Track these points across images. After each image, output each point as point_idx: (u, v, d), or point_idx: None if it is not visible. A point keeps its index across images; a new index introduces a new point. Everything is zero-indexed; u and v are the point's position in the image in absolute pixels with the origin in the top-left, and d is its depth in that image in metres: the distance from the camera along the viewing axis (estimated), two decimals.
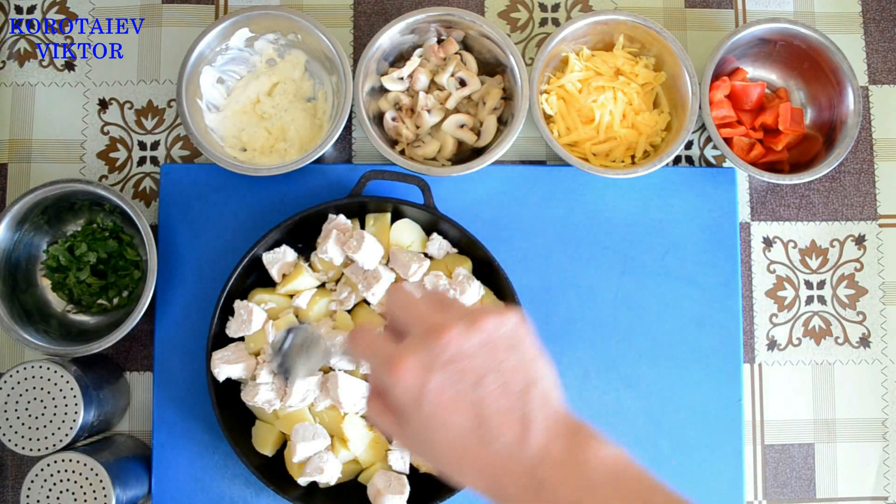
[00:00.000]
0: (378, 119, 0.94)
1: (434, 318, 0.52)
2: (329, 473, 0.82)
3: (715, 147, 0.98)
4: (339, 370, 0.83)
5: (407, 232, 0.89)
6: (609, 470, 0.48)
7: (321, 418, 0.85)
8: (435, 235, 0.89)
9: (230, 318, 0.86)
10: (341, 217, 0.87)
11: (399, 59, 0.96)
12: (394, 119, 0.93)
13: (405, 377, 0.50)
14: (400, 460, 0.83)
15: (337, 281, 0.89)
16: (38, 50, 0.97)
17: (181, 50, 0.91)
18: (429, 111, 0.92)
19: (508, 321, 0.52)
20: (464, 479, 0.51)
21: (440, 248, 0.88)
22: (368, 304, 0.87)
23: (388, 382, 0.51)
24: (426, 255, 0.89)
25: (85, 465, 0.79)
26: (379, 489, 0.82)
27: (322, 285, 0.89)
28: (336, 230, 0.86)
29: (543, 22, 1.00)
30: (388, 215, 0.89)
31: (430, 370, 0.50)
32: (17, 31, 0.97)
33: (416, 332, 0.52)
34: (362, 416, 0.85)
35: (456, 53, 0.94)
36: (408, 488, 0.82)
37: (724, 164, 0.98)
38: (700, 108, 0.90)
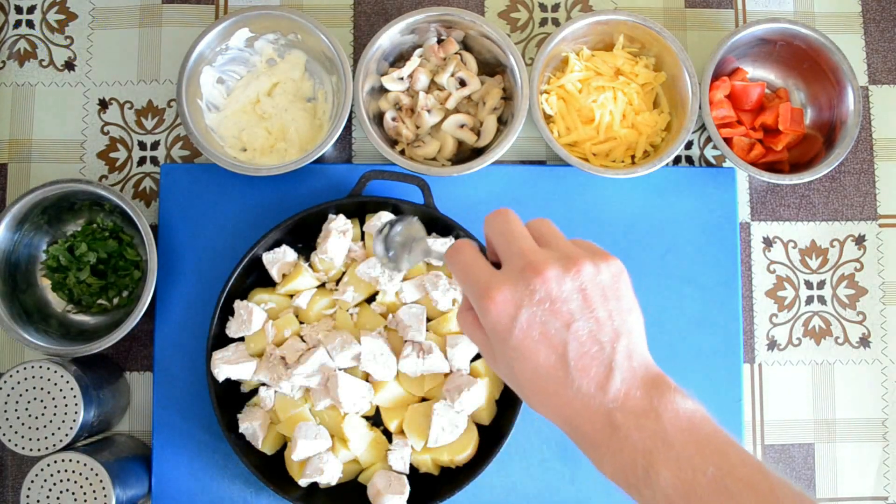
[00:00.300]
0: (378, 119, 0.94)
1: (534, 254, 0.53)
2: (329, 474, 0.82)
3: (715, 147, 0.98)
4: (339, 370, 0.83)
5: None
6: (685, 422, 0.49)
7: (321, 418, 0.85)
8: (435, 235, 0.89)
9: (230, 318, 0.86)
10: (341, 217, 0.87)
11: (399, 59, 0.96)
12: (394, 119, 0.93)
13: (497, 308, 0.51)
14: (400, 460, 0.83)
15: (337, 281, 0.89)
16: (37, 50, 0.97)
17: (181, 50, 0.91)
18: (429, 111, 0.92)
19: (607, 270, 0.53)
20: (542, 411, 0.53)
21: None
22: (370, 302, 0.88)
23: (480, 308, 0.52)
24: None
25: (85, 465, 0.79)
26: (379, 489, 0.82)
27: (322, 285, 0.89)
28: (336, 230, 0.86)
29: (543, 22, 1.00)
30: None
31: (521, 306, 0.51)
32: (17, 31, 0.98)
33: (514, 264, 0.52)
34: (363, 417, 0.85)
35: (456, 53, 0.94)
36: (408, 488, 0.82)
37: (724, 164, 0.98)
38: (700, 108, 0.90)
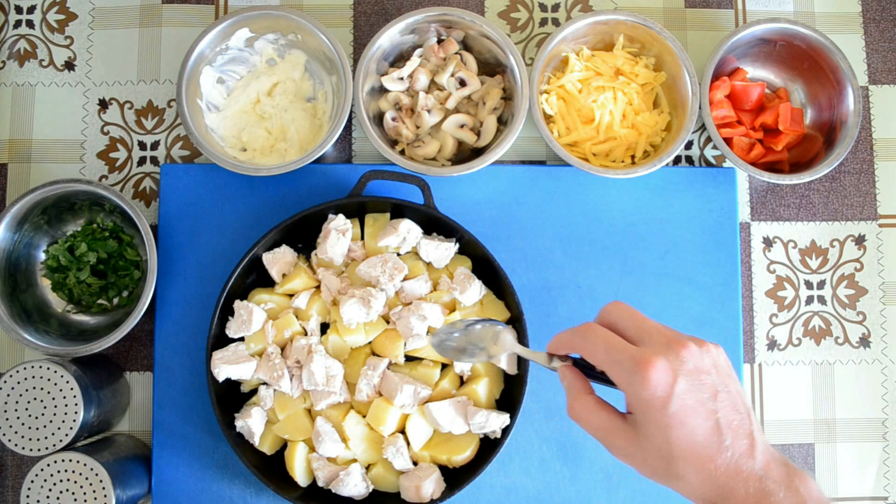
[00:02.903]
0: (378, 119, 0.94)
1: (669, 331, 0.58)
2: (351, 488, 0.82)
3: (715, 147, 0.98)
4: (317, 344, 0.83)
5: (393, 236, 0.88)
6: (821, 501, 0.55)
7: (325, 417, 0.84)
8: (436, 235, 0.89)
9: (230, 318, 0.86)
10: (341, 217, 0.87)
11: (399, 59, 0.96)
12: (394, 119, 0.93)
13: (656, 376, 0.55)
14: (399, 456, 0.83)
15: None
16: (37, 50, 0.97)
17: (181, 50, 0.91)
18: (429, 111, 0.92)
19: (721, 352, 0.59)
20: (691, 478, 0.55)
21: (439, 249, 0.88)
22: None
23: (638, 378, 0.55)
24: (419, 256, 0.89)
25: (85, 465, 0.79)
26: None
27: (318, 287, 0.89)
28: (335, 230, 0.86)
29: (543, 22, 1.00)
30: (388, 215, 0.89)
31: (678, 374, 0.55)
32: (17, 31, 0.98)
33: (656, 340, 0.57)
34: (362, 416, 0.85)
35: (456, 53, 0.94)
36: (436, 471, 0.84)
37: (724, 164, 0.98)
38: (700, 108, 0.90)
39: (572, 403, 0.63)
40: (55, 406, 0.80)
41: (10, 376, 0.80)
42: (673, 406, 0.55)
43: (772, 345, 0.95)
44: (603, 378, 0.63)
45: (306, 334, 0.86)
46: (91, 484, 0.79)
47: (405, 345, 0.85)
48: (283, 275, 0.88)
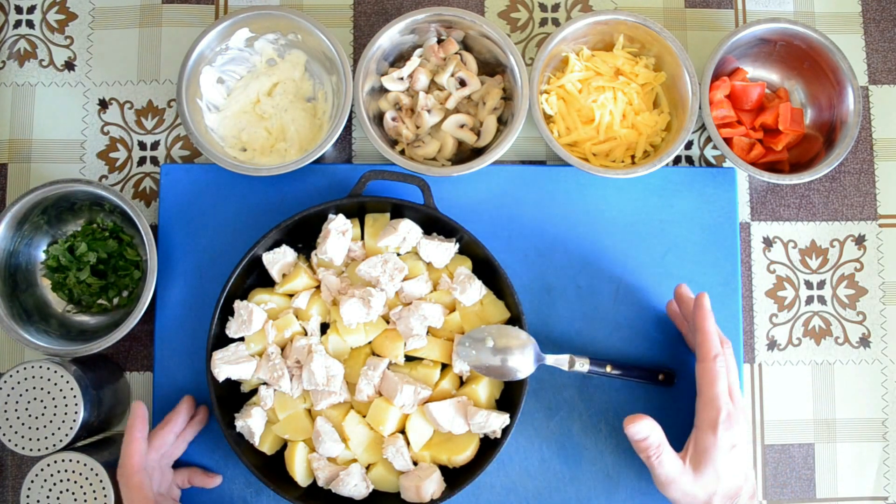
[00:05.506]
0: (378, 119, 0.94)
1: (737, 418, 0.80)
2: (350, 488, 0.82)
3: (715, 147, 0.98)
4: (316, 351, 0.83)
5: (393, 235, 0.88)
6: None
7: (325, 417, 0.85)
8: (436, 235, 0.89)
9: (230, 318, 0.86)
10: (341, 217, 0.87)
11: (399, 59, 0.96)
12: (394, 119, 0.93)
13: (724, 446, 0.79)
14: (399, 456, 0.83)
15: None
16: (37, 50, 0.97)
17: (181, 50, 0.91)
18: (429, 111, 0.92)
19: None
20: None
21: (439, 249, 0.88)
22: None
23: (715, 445, 0.79)
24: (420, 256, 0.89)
25: (85, 465, 0.79)
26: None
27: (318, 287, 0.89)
28: (336, 230, 0.86)
29: (543, 22, 1.00)
30: (388, 215, 0.89)
31: (733, 448, 0.79)
32: (17, 31, 0.98)
33: (726, 421, 0.79)
34: (362, 416, 0.85)
35: (456, 53, 0.94)
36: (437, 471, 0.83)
37: (724, 164, 0.98)
38: (700, 108, 0.90)
39: (661, 458, 0.80)
40: (55, 406, 0.80)
41: (10, 376, 0.80)
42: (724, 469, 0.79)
43: (772, 345, 0.95)
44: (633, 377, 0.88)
45: (306, 334, 0.86)
46: (91, 484, 0.79)
47: (405, 345, 0.85)
48: (284, 275, 0.88)
